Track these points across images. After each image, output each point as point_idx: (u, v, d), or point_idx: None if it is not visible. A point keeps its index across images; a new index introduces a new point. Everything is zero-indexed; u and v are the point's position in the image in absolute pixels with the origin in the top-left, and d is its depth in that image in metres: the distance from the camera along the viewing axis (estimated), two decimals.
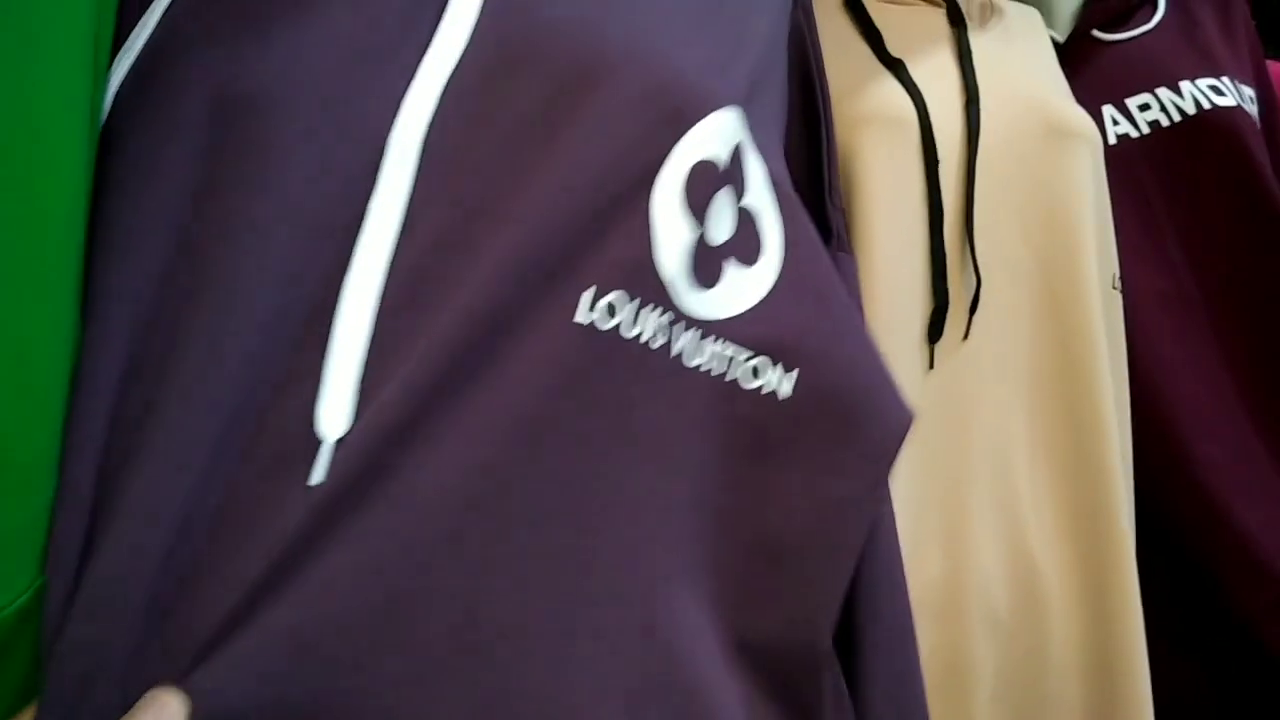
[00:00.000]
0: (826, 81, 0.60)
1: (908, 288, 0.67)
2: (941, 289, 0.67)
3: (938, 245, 0.67)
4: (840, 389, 0.51)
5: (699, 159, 0.46)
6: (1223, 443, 0.84)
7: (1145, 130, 0.91)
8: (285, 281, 0.42)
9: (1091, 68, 0.94)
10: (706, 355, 0.46)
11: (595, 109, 0.45)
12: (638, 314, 0.44)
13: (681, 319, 0.45)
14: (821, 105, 0.59)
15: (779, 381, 0.49)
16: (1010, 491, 0.68)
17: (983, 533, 0.67)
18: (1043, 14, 0.99)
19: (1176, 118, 0.90)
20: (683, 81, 0.47)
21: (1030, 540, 0.68)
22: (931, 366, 0.67)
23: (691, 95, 0.47)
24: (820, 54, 0.60)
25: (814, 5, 0.71)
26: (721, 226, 0.48)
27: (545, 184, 0.44)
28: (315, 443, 0.40)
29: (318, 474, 0.40)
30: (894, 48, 0.72)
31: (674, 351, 0.45)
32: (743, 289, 0.49)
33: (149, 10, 0.46)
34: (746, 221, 0.50)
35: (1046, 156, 0.71)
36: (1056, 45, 0.96)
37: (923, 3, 0.77)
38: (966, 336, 0.68)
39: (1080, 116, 0.74)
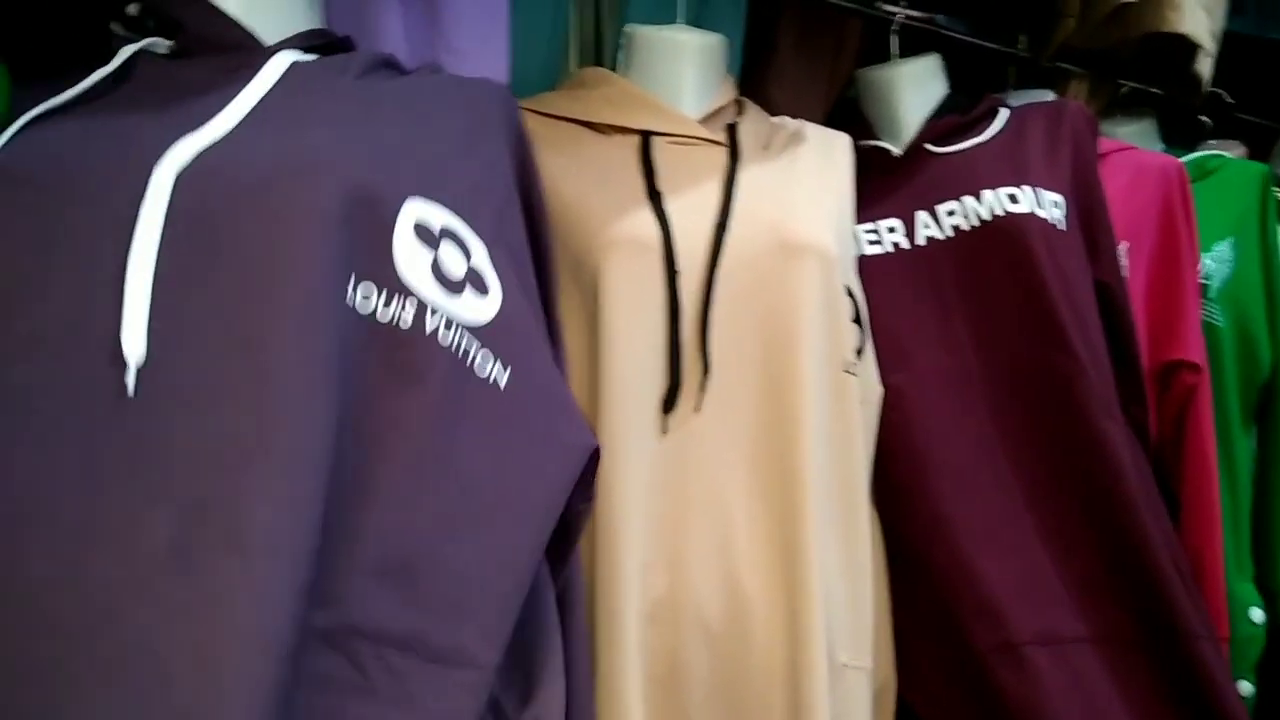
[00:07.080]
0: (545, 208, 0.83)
1: (649, 372, 0.88)
2: (675, 372, 0.88)
3: (674, 339, 0.88)
4: (540, 393, 0.74)
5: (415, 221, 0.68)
6: (978, 502, 0.99)
7: (950, 233, 1.06)
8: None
9: (917, 178, 1.11)
10: (454, 337, 0.67)
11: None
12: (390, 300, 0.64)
13: (426, 308, 0.66)
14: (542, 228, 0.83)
15: (499, 374, 0.71)
16: (727, 530, 0.87)
17: (701, 561, 0.87)
18: (889, 130, 1.17)
19: (975, 222, 1.05)
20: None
21: (741, 569, 0.87)
22: (665, 432, 0.88)
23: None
24: (541, 193, 0.83)
25: (612, 146, 0.95)
26: (455, 265, 0.70)
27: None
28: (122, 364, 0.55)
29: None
30: (670, 181, 0.93)
31: (427, 330, 0.66)
32: (479, 308, 0.71)
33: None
34: (474, 272, 0.72)
35: (777, 269, 0.90)
36: (893, 157, 1.14)
37: (707, 143, 0.97)
38: (698, 409, 0.88)
39: (811, 234, 0.91)
